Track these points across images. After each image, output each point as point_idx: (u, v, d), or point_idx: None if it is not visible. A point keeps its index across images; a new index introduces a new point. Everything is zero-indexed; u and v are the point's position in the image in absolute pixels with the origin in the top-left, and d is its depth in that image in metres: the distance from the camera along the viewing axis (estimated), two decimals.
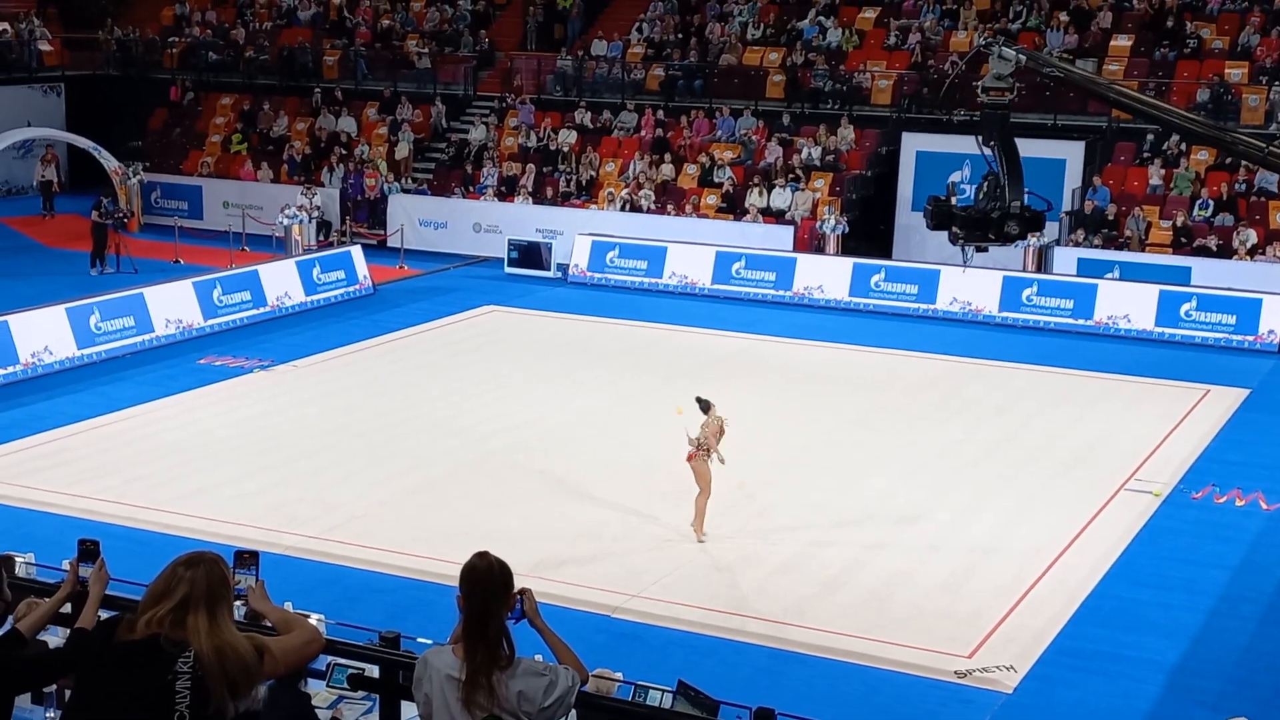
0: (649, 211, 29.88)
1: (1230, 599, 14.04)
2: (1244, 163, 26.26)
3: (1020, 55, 12.65)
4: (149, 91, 37.06)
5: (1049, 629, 13.16)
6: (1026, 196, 12.36)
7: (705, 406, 14.90)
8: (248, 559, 5.68)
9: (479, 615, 5.22)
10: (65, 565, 5.99)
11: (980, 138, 12.55)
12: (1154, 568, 14.73)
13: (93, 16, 39.41)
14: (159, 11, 39.60)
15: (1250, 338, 24.22)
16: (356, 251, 27.57)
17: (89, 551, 5.86)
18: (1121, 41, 31.08)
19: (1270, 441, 19.08)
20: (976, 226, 12.24)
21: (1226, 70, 29.60)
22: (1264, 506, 16.57)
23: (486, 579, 5.25)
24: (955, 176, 26.66)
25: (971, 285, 25.41)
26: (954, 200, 12.61)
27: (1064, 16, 31.61)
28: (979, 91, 12.61)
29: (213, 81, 37.05)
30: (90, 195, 30.47)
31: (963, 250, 12.77)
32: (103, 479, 16.62)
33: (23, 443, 17.99)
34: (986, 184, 12.34)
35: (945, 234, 12.90)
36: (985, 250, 12.92)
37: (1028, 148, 24.94)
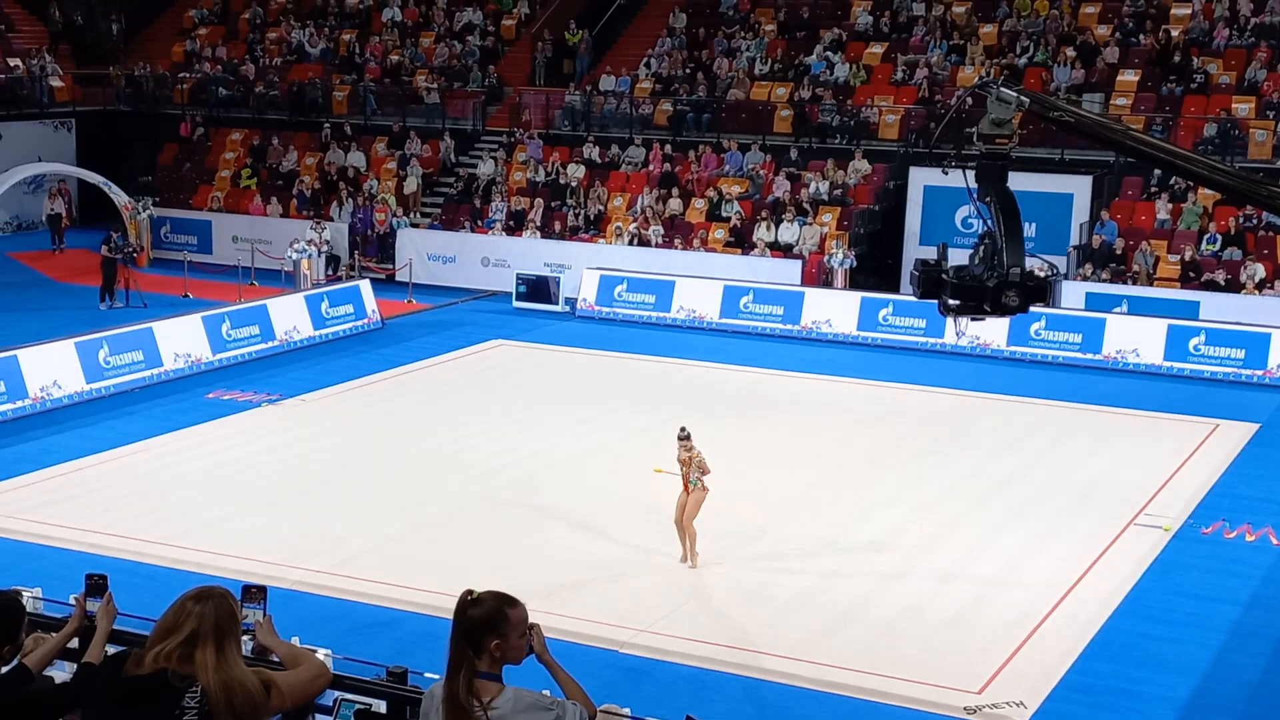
0: (657, 246, 29.94)
1: (1241, 634, 13.97)
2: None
3: (1022, 97, 10.93)
4: (159, 127, 37.29)
5: (1059, 664, 13.09)
6: (1029, 260, 10.68)
7: (686, 435, 14.94)
8: (256, 593, 5.68)
9: (452, 649, 5.20)
10: (72, 600, 5.98)
11: (976, 191, 10.79)
12: (1164, 603, 14.66)
13: (104, 53, 39.68)
14: (169, 48, 39.89)
15: (1259, 372, 24.16)
16: (365, 286, 27.63)
17: (96, 586, 5.85)
18: (1128, 76, 31.16)
19: None
20: (970, 296, 10.50)
21: (1233, 105, 29.65)
22: (1274, 541, 16.50)
23: (458, 616, 5.21)
24: (963, 211, 26.76)
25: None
26: (946, 264, 10.68)
27: (1070, 51, 31.71)
28: (973, 139, 10.82)
29: (223, 117, 37.26)
30: (100, 230, 30.60)
31: (955, 322, 11.12)
32: (111, 513, 16.61)
33: (31, 477, 17.99)
34: (983, 247, 10.72)
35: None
36: (981, 321, 11.19)
37: (1036, 183, 25.43)
